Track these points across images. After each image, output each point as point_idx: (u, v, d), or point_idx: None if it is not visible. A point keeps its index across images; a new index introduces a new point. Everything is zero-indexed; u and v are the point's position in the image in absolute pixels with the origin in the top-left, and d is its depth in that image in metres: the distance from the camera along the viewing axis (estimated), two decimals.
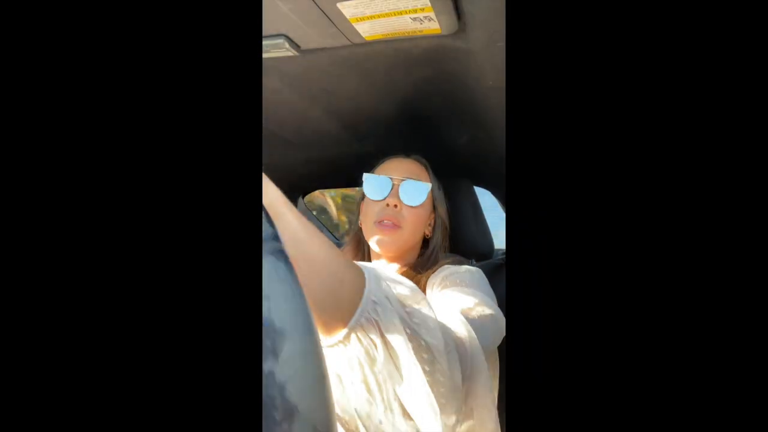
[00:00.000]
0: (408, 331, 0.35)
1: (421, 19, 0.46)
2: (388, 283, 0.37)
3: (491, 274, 0.73)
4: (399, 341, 0.34)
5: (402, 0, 0.43)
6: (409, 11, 0.45)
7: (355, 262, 0.36)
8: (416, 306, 0.38)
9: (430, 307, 0.39)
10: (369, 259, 0.74)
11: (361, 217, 0.72)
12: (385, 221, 0.65)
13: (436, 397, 0.36)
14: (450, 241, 0.73)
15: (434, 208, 0.71)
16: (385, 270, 0.39)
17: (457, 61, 0.55)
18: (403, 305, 0.37)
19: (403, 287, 0.38)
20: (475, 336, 0.45)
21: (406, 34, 0.50)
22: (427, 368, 0.36)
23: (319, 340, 0.20)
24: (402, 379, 0.34)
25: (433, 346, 0.36)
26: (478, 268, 0.64)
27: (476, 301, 0.52)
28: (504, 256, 0.82)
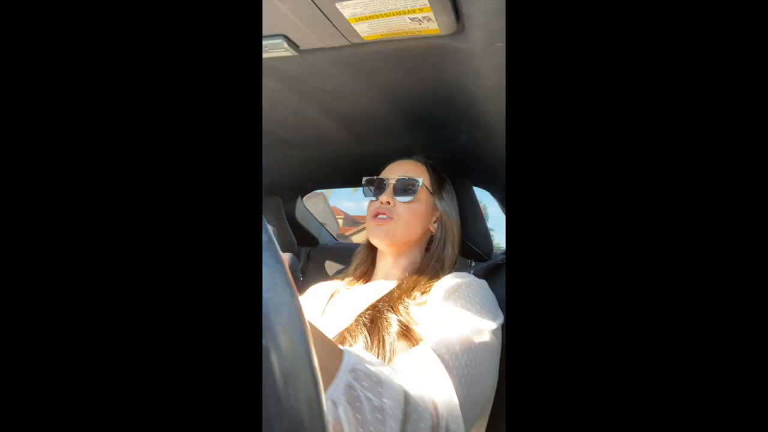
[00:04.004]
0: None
1: (420, 20, 0.46)
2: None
3: (491, 274, 0.73)
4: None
5: (401, 0, 0.43)
6: (408, 11, 0.45)
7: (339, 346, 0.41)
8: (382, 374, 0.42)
9: (393, 372, 0.43)
10: (374, 262, 0.75)
11: (364, 222, 0.76)
12: (379, 215, 0.70)
13: None
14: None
15: (435, 205, 0.72)
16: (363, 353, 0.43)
17: (456, 62, 0.55)
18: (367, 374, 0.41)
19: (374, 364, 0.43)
20: (455, 402, 0.45)
21: (405, 35, 0.50)
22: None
23: (305, 321, 0.19)
24: None
25: (387, 406, 0.40)
26: (482, 281, 0.63)
27: (475, 326, 0.52)
28: (504, 256, 0.82)
